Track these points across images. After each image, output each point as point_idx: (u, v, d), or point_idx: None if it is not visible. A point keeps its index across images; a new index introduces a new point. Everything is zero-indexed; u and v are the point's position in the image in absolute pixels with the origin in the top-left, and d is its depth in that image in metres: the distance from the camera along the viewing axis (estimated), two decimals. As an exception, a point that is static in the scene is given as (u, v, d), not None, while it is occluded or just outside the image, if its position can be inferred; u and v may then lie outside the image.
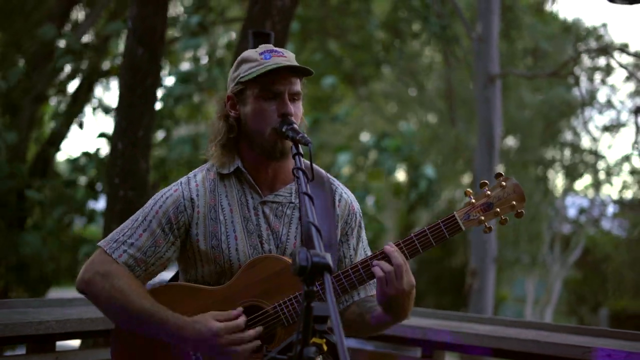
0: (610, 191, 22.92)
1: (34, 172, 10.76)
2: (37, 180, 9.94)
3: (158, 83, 6.20)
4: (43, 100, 12.11)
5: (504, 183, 2.88)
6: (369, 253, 3.10)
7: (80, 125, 10.44)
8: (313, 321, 2.24)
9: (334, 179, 3.18)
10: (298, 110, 2.96)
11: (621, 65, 10.24)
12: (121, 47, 11.70)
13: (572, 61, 13.59)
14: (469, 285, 11.61)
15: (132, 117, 5.99)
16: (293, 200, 3.03)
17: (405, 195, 12.42)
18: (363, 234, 3.18)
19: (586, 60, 16.95)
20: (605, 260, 22.60)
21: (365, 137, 21.45)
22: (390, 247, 2.80)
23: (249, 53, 3.00)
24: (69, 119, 11.33)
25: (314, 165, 3.00)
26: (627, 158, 21.40)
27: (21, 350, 4.25)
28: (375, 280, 2.90)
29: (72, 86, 11.98)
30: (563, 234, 22.75)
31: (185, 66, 12.80)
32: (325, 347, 2.42)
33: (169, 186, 3.05)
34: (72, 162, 9.63)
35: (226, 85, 3.11)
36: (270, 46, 3.01)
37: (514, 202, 2.87)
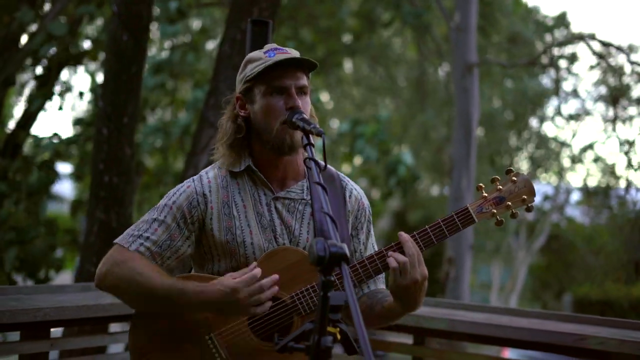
0: (575, 179, 23.27)
1: (4, 154, 10.60)
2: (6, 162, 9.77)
3: (143, 69, 6.16)
4: (12, 84, 11.92)
5: (514, 178, 2.96)
6: (376, 248, 3.13)
7: (60, 108, 10.27)
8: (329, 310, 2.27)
9: (343, 175, 3.21)
10: (306, 105, 2.98)
11: (597, 54, 10.35)
12: (90, 30, 11.55)
13: (549, 50, 13.72)
14: (446, 273, 11.71)
15: (117, 103, 5.97)
16: (305, 197, 3.04)
17: (384, 182, 12.47)
18: (372, 229, 3.22)
19: (556, 50, 17.08)
20: (569, 247, 22.95)
21: (334, 123, 21.56)
22: (405, 237, 2.84)
23: (254, 53, 3.03)
24: (40, 103, 11.17)
25: (322, 163, 3.03)
26: (590, 146, 21.71)
27: (13, 337, 4.22)
28: (383, 275, 2.96)
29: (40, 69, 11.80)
30: (528, 221, 23.02)
31: (153, 52, 12.67)
32: (338, 337, 2.45)
33: (182, 183, 3.05)
34: (37, 143, 9.47)
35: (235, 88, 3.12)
36: (274, 45, 3.04)
37: (525, 197, 2.95)
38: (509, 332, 4.16)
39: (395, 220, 25.68)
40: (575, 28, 21.16)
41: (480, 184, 2.98)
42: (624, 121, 19.18)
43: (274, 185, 3.02)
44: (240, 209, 2.97)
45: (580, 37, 10.59)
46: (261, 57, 2.96)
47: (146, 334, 3.00)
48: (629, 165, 6.75)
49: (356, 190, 3.18)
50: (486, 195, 2.95)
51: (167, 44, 11.59)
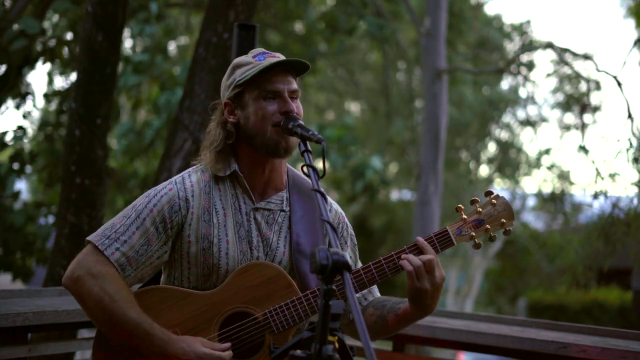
0: (530, 184, 23.56)
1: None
2: None
3: (117, 71, 6.09)
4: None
5: (494, 201, 2.96)
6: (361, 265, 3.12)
7: (24, 116, 10.03)
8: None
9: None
10: (300, 109, 2.96)
11: (565, 62, 10.51)
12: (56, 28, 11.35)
13: (517, 57, 13.88)
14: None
15: (90, 104, 5.88)
16: (284, 209, 3.02)
17: (351, 186, 12.46)
18: (356, 250, 3.21)
19: (523, 57, 17.29)
20: (524, 252, 23.20)
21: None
22: (422, 241, 2.84)
23: (241, 58, 3.01)
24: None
25: (304, 177, 3.02)
26: (547, 152, 22.00)
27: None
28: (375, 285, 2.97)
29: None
30: (485, 226, 23.12)
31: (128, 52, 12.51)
32: (337, 345, 2.45)
33: (162, 184, 2.99)
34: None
35: (221, 93, 3.08)
36: (262, 49, 3.02)
37: (504, 220, 2.95)
38: (491, 340, 4.18)
39: (355, 226, 25.71)
40: (537, 36, 21.36)
41: (460, 205, 2.97)
42: (578, 128, 19.46)
43: (255, 193, 2.99)
44: (220, 217, 2.93)
45: (550, 45, 10.72)
46: (251, 62, 2.94)
47: (112, 344, 2.93)
48: (598, 173, 6.85)
49: (335, 205, 3.18)
50: (465, 217, 2.95)
51: (140, 43, 11.45)
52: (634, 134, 7.34)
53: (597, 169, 7.18)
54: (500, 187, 24.14)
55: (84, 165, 5.90)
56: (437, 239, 2.90)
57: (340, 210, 3.18)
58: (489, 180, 23.79)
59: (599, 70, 7.78)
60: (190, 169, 3.06)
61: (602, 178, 7.30)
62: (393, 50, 15.61)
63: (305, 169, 2.74)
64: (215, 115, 3.06)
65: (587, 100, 10.78)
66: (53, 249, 6.02)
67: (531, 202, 24.11)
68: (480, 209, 2.94)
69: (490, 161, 22.56)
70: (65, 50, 8.73)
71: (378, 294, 3.13)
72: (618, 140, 7.14)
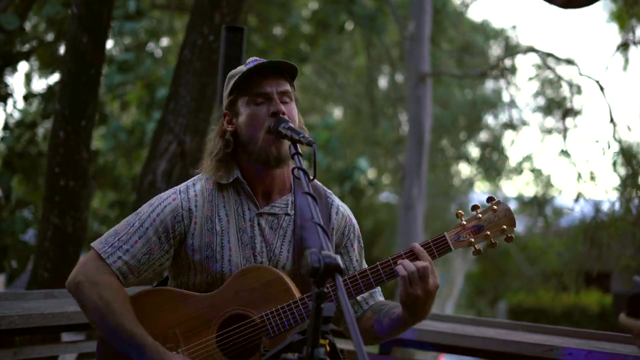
0: (511, 188, 23.63)
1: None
2: None
3: (102, 71, 6.06)
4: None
5: (495, 207, 2.90)
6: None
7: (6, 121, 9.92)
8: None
9: (331, 192, 3.18)
10: (292, 111, 2.94)
11: (547, 67, 10.58)
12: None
13: (501, 62, 13.95)
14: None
15: (76, 105, 5.85)
16: (289, 212, 3.00)
17: (338, 188, 12.46)
18: (362, 252, 3.19)
19: (507, 61, 17.38)
20: (504, 255, 23.28)
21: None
22: (419, 247, 2.82)
23: (237, 69, 3.02)
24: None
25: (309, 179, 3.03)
26: (528, 157, 22.12)
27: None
28: (379, 288, 2.96)
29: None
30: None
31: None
32: (328, 348, 2.44)
33: (166, 193, 3.00)
34: None
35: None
36: (255, 57, 3.02)
37: (505, 226, 2.89)
38: (478, 343, 4.19)
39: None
40: (521, 40, 21.56)
41: (460, 211, 2.93)
42: (560, 132, 19.58)
43: (259, 199, 2.98)
44: (223, 224, 2.94)
45: (533, 49, 10.79)
46: (242, 70, 2.95)
47: (113, 348, 2.94)
48: (579, 176, 6.91)
49: (342, 207, 3.15)
50: (465, 223, 2.89)
51: (120, 42, 11.41)
52: (615, 138, 7.40)
53: (579, 173, 7.23)
54: (480, 191, 24.24)
55: (69, 167, 5.87)
56: (434, 245, 2.87)
57: (348, 212, 3.15)
58: (470, 183, 23.90)
59: (581, 75, 7.81)
60: (194, 178, 3.06)
61: (585, 181, 7.35)
62: (377, 51, 15.62)
63: (295, 171, 2.74)
64: (217, 125, 3.06)
65: (570, 104, 10.83)
66: (37, 251, 5.99)
67: (512, 205, 24.19)
68: (480, 215, 2.90)
69: (472, 163, 22.63)
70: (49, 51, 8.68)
71: (380, 298, 3.10)
72: (597, 141, 7.19)
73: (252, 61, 2.97)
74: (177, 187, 3.01)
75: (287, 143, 2.85)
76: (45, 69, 8.68)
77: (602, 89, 7.46)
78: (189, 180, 3.06)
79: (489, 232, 2.88)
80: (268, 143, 2.87)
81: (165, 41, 14.72)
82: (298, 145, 2.79)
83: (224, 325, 2.88)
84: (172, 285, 3.06)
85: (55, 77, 8.77)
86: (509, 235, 2.90)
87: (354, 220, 3.17)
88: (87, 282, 2.84)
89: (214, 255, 2.90)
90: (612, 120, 7.41)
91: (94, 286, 2.83)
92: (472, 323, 4.70)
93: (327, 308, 2.29)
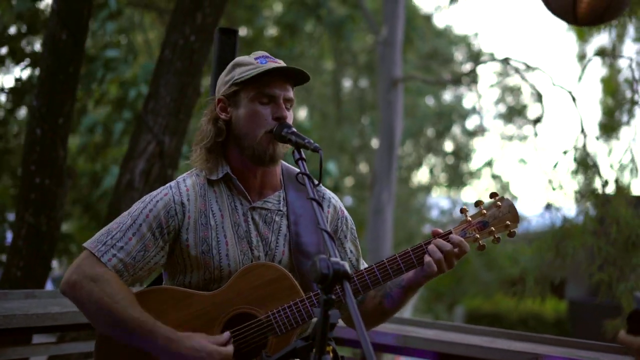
0: (470, 194, 23.82)
1: None
2: None
3: (80, 69, 5.98)
4: None
5: (499, 203, 2.92)
6: (365, 265, 3.11)
7: None
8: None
9: (321, 185, 3.17)
10: (291, 118, 2.96)
11: (522, 77, 10.69)
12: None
13: (472, 69, 14.09)
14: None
15: (53, 103, 5.77)
16: (281, 208, 3.00)
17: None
18: (357, 243, 3.20)
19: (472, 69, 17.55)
20: (462, 260, 23.46)
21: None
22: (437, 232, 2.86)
23: (243, 58, 2.99)
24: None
25: (292, 172, 3.03)
26: (489, 164, 22.35)
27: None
28: None
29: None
30: (424, 234, 23.41)
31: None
32: (332, 354, 2.46)
33: (158, 190, 2.97)
34: None
35: (216, 89, 3.06)
36: (264, 52, 3.01)
37: (508, 222, 2.92)
38: (462, 350, 4.22)
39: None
40: (484, 48, 21.78)
41: (464, 207, 2.93)
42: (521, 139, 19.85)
43: (251, 193, 2.98)
44: (217, 219, 2.92)
45: (506, 60, 10.90)
46: (252, 63, 2.92)
47: (115, 347, 2.90)
48: (550, 182, 6.97)
49: (334, 199, 3.16)
50: (470, 219, 2.90)
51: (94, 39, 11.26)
52: (584, 147, 7.48)
53: (550, 180, 7.30)
54: (438, 195, 24.42)
55: (44, 165, 5.78)
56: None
57: (339, 204, 3.16)
58: (427, 189, 24.05)
59: (554, 85, 7.88)
60: (185, 174, 3.05)
61: (554, 189, 7.42)
62: (344, 55, 15.64)
63: (299, 177, 2.74)
64: (208, 111, 3.02)
65: (542, 112, 10.94)
66: (10, 250, 5.89)
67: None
68: (485, 211, 2.90)
69: (434, 170, 22.80)
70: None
71: None
72: (565, 153, 7.27)
73: (262, 57, 2.95)
74: (168, 184, 2.99)
75: (282, 145, 2.88)
76: (16, 64, 8.52)
77: (574, 99, 7.54)
78: (179, 177, 3.04)
79: (493, 228, 2.91)
80: (266, 141, 2.87)
81: (139, 38, 14.60)
82: (302, 150, 2.80)
83: (228, 324, 2.86)
84: (168, 283, 3.04)
85: (26, 73, 8.62)
86: (512, 230, 2.92)
87: (346, 212, 3.19)
88: (84, 280, 2.78)
89: (210, 250, 2.88)
90: (582, 131, 7.49)
91: (93, 281, 2.77)
92: (455, 330, 4.73)
93: (332, 315, 2.30)
